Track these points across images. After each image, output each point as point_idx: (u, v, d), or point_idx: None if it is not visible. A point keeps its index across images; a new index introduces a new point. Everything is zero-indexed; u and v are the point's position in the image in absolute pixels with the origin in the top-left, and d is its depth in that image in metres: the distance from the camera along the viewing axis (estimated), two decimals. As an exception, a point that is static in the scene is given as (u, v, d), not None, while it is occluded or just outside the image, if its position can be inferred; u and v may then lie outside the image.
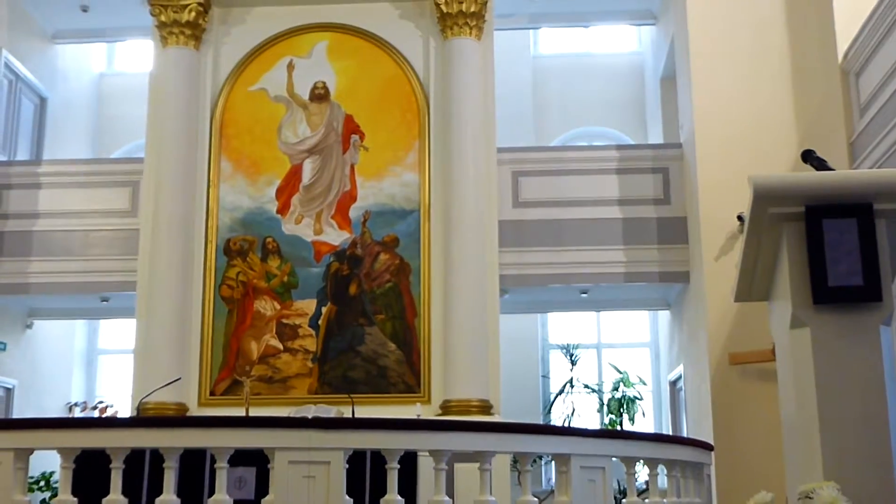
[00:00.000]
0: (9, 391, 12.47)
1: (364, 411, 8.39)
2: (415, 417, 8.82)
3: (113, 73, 15.71)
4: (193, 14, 11.18)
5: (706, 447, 7.46)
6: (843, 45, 9.74)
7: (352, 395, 9.25)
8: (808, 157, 4.91)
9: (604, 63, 15.27)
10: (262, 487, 5.56)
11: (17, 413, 12.38)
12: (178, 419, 8.50)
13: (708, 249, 10.18)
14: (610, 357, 14.31)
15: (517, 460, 6.12)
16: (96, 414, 12.71)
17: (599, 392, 13.48)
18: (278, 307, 10.82)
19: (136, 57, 15.48)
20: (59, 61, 13.99)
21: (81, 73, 14.89)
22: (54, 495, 7.42)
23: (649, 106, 14.42)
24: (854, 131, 9.64)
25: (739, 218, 9.63)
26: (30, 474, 5.74)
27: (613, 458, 6.25)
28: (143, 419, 8.09)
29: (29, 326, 12.94)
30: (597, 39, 15.67)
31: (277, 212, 11.03)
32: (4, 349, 12.30)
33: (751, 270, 4.63)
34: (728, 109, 10.46)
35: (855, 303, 4.18)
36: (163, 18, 11.21)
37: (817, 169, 4.74)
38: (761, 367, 9.60)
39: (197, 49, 11.30)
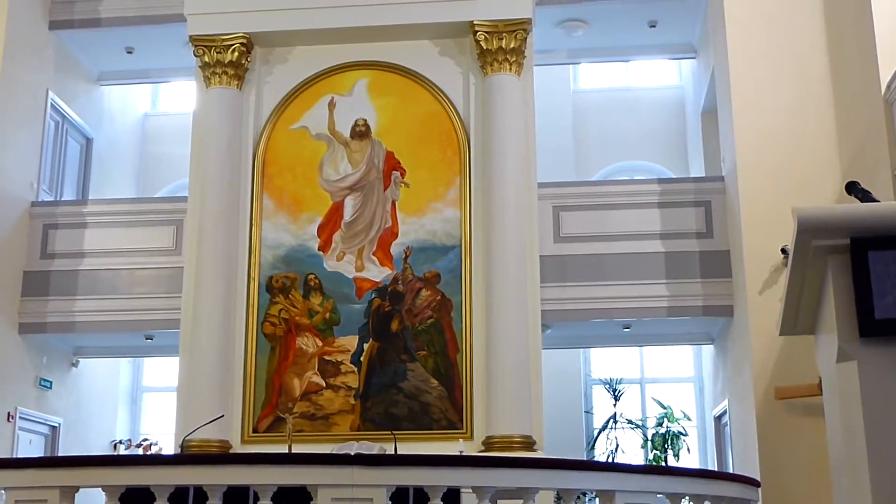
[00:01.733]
0: (54, 429, 12.57)
1: (406, 448, 8.37)
2: (457, 454, 8.79)
3: (157, 114, 15.92)
4: (236, 54, 11.32)
5: (752, 483, 7.36)
6: (886, 75, 9.66)
7: (394, 432, 9.22)
8: (853, 188, 4.88)
9: (644, 97, 15.26)
10: (306, 525, 5.55)
11: (63, 451, 12.46)
12: (222, 456, 8.52)
13: (752, 283, 10.09)
14: (653, 392, 14.19)
15: (561, 497, 6.09)
16: (140, 451, 12.77)
17: (643, 427, 13.37)
18: (320, 344, 10.84)
19: (179, 97, 15.67)
20: (104, 102, 14.20)
21: (126, 113, 15.10)
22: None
23: (690, 139, 14.38)
24: (898, 162, 9.55)
25: (783, 251, 9.55)
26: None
27: (658, 495, 6.18)
28: (186, 456, 8.11)
29: (74, 365, 13.06)
30: (637, 74, 15.67)
31: (319, 249, 11.08)
32: (50, 387, 12.42)
33: (796, 304, 4.58)
34: (770, 141, 10.40)
35: (902, 335, 4.12)
36: (206, 59, 11.36)
37: (861, 200, 4.71)
38: (808, 402, 9.48)
39: (239, 89, 11.43)
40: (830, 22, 10.64)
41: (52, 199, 12.68)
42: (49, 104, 12.65)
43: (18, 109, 11.98)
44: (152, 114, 15.89)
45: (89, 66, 13.64)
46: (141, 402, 15.17)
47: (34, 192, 12.29)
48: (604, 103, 15.33)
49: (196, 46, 11.42)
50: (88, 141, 13.77)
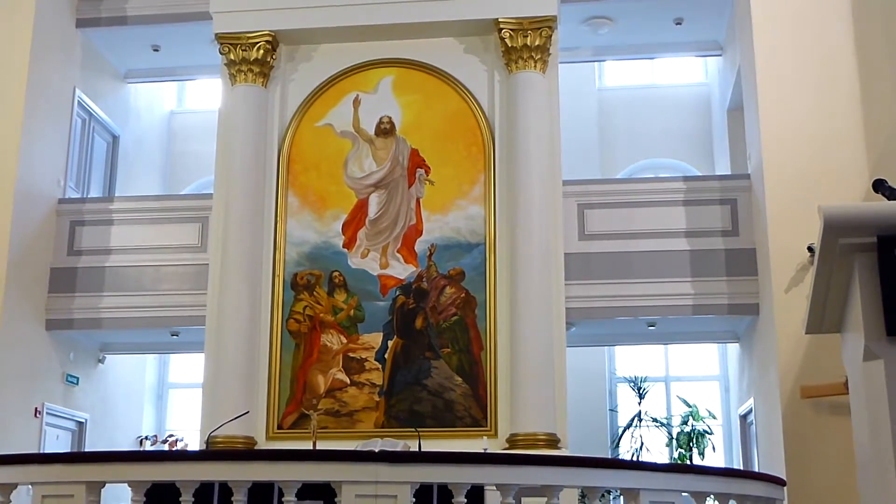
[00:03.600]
0: (81, 425, 12.66)
1: (430, 445, 8.40)
2: (482, 451, 8.79)
3: (183, 111, 15.99)
4: (261, 52, 11.36)
5: (778, 482, 7.33)
6: (914, 73, 9.61)
7: (418, 429, 9.25)
8: (880, 186, 4.85)
9: (670, 94, 15.21)
10: (330, 521, 5.57)
11: (90, 446, 12.55)
12: (247, 453, 8.56)
13: (778, 281, 10.03)
14: (678, 390, 14.16)
15: (585, 495, 6.09)
16: (166, 447, 12.85)
17: (668, 426, 13.33)
18: (345, 341, 10.87)
19: (205, 95, 15.75)
20: (130, 100, 14.28)
21: (153, 111, 15.17)
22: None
23: (716, 137, 14.31)
24: (927, 160, 9.48)
25: (810, 249, 9.49)
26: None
27: (683, 494, 6.16)
28: (212, 452, 8.15)
29: (101, 361, 13.14)
30: (662, 71, 15.62)
31: (344, 246, 11.11)
32: (77, 383, 12.50)
33: (822, 302, 4.56)
34: (797, 139, 10.33)
35: (930, 334, 4.09)
36: (231, 57, 11.40)
37: (889, 198, 4.68)
38: (834, 401, 9.41)
39: (265, 86, 11.47)
40: (858, 18, 10.56)
41: (78, 195, 12.75)
42: (76, 101, 12.72)
43: (46, 107, 12.06)
44: (178, 111, 15.95)
45: (116, 63, 13.72)
46: (167, 398, 15.25)
47: (61, 188, 12.37)
48: (629, 101, 15.29)
49: (222, 44, 11.46)
50: (115, 138, 13.84)
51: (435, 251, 10.99)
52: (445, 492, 5.74)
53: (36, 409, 11.63)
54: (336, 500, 5.33)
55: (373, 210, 11.19)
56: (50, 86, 12.17)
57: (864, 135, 10.25)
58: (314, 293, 11.01)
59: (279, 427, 10.66)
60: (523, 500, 7.17)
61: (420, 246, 11.02)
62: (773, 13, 10.72)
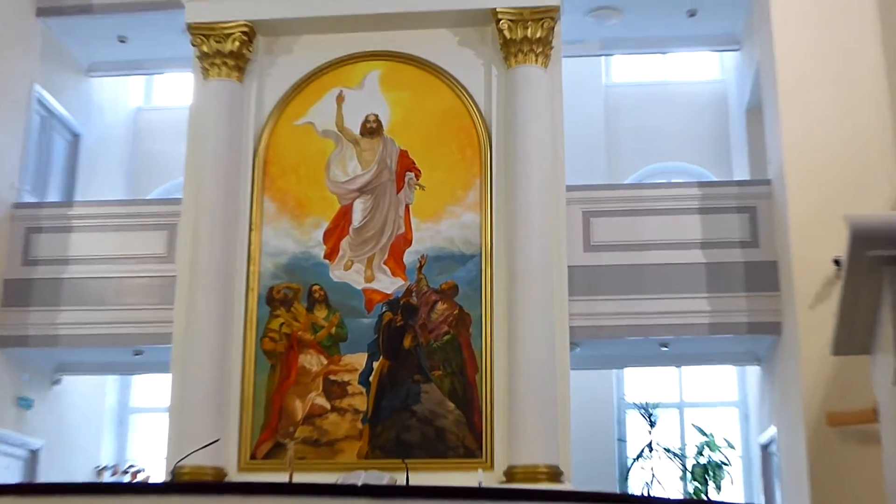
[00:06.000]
0: (34, 453, 12.58)
1: (420, 478, 8.37)
2: (476, 485, 8.76)
3: (150, 108, 16.01)
4: (237, 43, 11.34)
5: (802, 519, 7.30)
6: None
7: (406, 460, 9.20)
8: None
9: (683, 92, 15.24)
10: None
11: (43, 476, 12.49)
12: (217, 485, 8.53)
13: (801, 297, 10.03)
14: (693, 418, 14.13)
15: (588, 532, 6.04)
16: (128, 478, 12.77)
17: (682, 457, 13.30)
18: (325, 362, 10.83)
19: (175, 90, 15.75)
20: (93, 96, 14.27)
21: (117, 108, 15.17)
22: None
23: (734, 139, 14.33)
24: (965, 165, 9.49)
25: (836, 262, 9.50)
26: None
27: (697, 531, 6.13)
28: (178, 485, 8.12)
29: (56, 382, 13.08)
30: (675, 67, 15.65)
31: (325, 257, 11.08)
32: (30, 406, 12.44)
33: (850, 320, 4.55)
34: (821, 141, 10.34)
35: (967, 356, 4.07)
36: (204, 49, 11.38)
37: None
38: (863, 429, 9.40)
39: (240, 81, 11.45)
40: (885, 11, 10.58)
41: (35, 200, 12.72)
42: (34, 97, 12.71)
43: (0, 103, 12.02)
44: (145, 108, 15.96)
45: (78, 56, 13.71)
46: (128, 423, 15.17)
47: (16, 192, 12.33)
48: (639, 99, 15.31)
49: (194, 35, 11.44)
50: (76, 137, 13.82)
51: (425, 263, 10.96)
52: (434, 529, 5.70)
53: (-16, 434, 11.59)
54: (312, 537, 5.30)
55: (357, 217, 11.17)
56: (5, 79, 12.15)
57: (893, 136, 10.27)
58: (292, 309, 10.97)
59: (252, 457, 10.59)
60: (521, 537, 7.12)
61: (409, 257, 11.00)
62: (795, 4, 10.76)
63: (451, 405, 10.58)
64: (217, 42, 11.36)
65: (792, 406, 10.55)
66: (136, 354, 12.39)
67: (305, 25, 11.59)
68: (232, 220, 11.05)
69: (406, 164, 11.26)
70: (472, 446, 10.44)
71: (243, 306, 10.92)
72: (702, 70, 15.56)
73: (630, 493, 12.76)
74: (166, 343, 11.12)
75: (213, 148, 11.15)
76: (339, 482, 7.35)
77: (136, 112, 15.76)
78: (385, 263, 11.00)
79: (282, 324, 10.94)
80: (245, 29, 11.39)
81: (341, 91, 11.52)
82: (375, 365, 10.76)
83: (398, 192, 11.19)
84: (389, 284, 10.95)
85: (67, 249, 12.05)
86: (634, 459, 13.11)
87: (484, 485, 8.94)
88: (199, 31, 11.42)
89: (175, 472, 9.51)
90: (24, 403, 12.34)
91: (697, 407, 14.57)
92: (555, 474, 9.99)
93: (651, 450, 12.93)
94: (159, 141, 15.20)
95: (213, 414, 10.47)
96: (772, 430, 12.12)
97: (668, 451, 13.11)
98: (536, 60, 11.04)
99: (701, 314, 11.19)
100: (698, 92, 15.25)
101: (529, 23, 11.04)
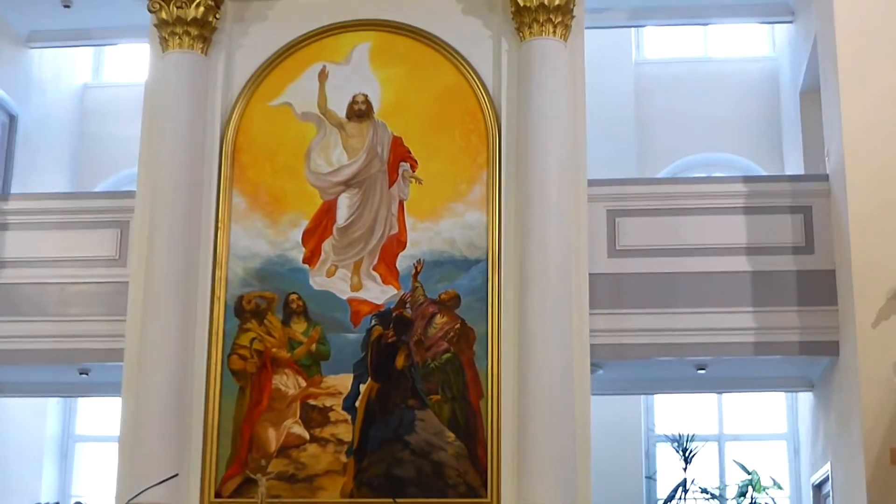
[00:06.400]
0: (-38, 488, 12.63)
1: (413, 520, 8.37)
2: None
3: (99, 85, 16.06)
4: (202, 9, 11.33)
5: (862, 573, 7.32)
6: None
7: (397, 500, 9.22)
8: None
9: (726, 71, 15.30)
10: None
11: (-28, 517, 12.53)
12: (174, 527, 8.53)
13: (863, 312, 10.03)
14: (735, 452, 14.17)
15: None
16: (72, 518, 12.82)
17: (722, 498, 13.32)
18: (304, 384, 10.84)
19: (128, 64, 15.76)
20: (33, 70, 14.30)
21: (61, 84, 15.19)
22: None
23: (786, 126, 14.35)
24: None
25: (904, 272, 9.54)
26: None
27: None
28: (128, 526, 8.14)
29: (-11, 406, 13.13)
30: (717, 41, 15.67)
31: (304, 261, 11.09)
32: (-42, 435, 12.47)
33: (919, 340, 4.55)
34: (887, 130, 10.34)
35: None
36: (163, 15, 11.37)
37: None
38: (933, 468, 9.45)
39: (205, 53, 11.45)
40: (970, -24, 10.61)
41: (-37, 192, 12.76)
42: (-38, 72, 12.76)
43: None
44: (93, 85, 16.01)
45: (15, 24, 13.73)
46: (73, 454, 15.20)
47: (-59, 183, 12.37)
48: (674, 79, 15.37)
49: (151, 0, 11.43)
50: (12, 119, 13.85)
51: (422, 269, 10.97)
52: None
53: None
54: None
55: (342, 215, 11.18)
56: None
57: (974, 125, 10.29)
58: (265, 322, 10.98)
59: (217, 495, 10.61)
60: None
61: (403, 262, 11.01)
62: (860, -33, 10.76)
63: (451, 435, 10.59)
64: (178, 7, 11.34)
65: (850, 440, 10.55)
66: (82, 374, 12.40)
67: (283, -12, 11.64)
68: (195, 217, 11.05)
69: (400, 153, 11.27)
70: (475, 483, 10.45)
71: (207, 318, 10.93)
72: (749, 45, 15.59)
73: (660, 540, 12.79)
74: (117, 360, 11.12)
75: (172, 132, 11.14)
76: (319, 526, 7.37)
77: (82, 89, 15.79)
78: (375, 269, 11.02)
79: (253, 339, 10.95)
80: (212, -8, 11.41)
81: (324, 66, 11.53)
82: (362, 388, 10.77)
83: (390, 185, 11.20)
84: (380, 294, 10.97)
85: (2, 250, 12.04)
86: (666, 501, 13.13)
87: (489, 530, 8.97)
88: (158, -5, 11.44)
89: (126, 511, 9.53)
90: (-49, 431, 12.37)
91: (740, 440, 14.62)
92: (572, 518, 10.02)
93: (685, 490, 12.94)
94: (109, 124, 15.24)
95: (171, 444, 10.46)
96: (826, 468, 12.13)
97: (705, 491, 13.13)
98: (555, 32, 11.04)
99: (745, 332, 11.20)
100: (744, 71, 15.29)
101: (547, -13, 11.06)
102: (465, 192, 11.10)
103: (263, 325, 10.97)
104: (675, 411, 14.60)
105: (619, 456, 13.77)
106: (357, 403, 10.74)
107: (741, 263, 11.32)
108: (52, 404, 14.85)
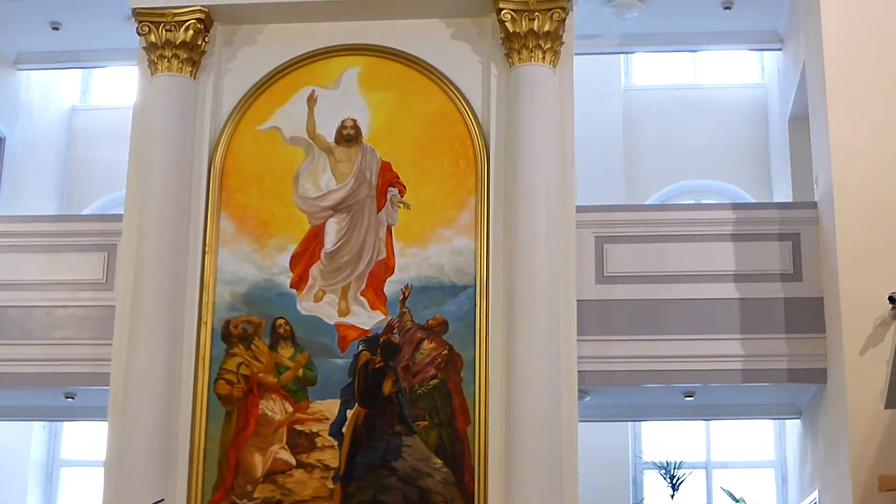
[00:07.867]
0: (-55, 513, 12.58)
1: (399, 547, 8.35)
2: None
3: (87, 107, 16.04)
4: (191, 33, 11.35)
5: None
6: None
7: (384, 526, 9.21)
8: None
9: (715, 98, 15.33)
10: None
11: (-44, 542, 12.47)
12: (159, 553, 8.52)
13: (851, 340, 10.03)
14: (723, 480, 14.16)
15: None
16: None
17: (709, 526, 13.34)
18: (290, 409, 10.82)
19: (117, 87, 15.75)
20: (21, 92, 14.30)
21: (49, 106, 15.19)
22: None
23: (774, 153, 14.40)
24: None
25: (892, 299, 9.53)
26: None
27: None
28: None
29: (-27, 430, 13.08)
30: (707, 68, 15.71)
31: (292, 286, 11.08)
32: (-59, 459, 12.42)
33: (906, 368, 4.56)
34: (876, 158, 10.37)
35: None
36: (152, 38, 11.39)
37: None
38: (922, 497, 9.45)
39: (194, 77, 11.46)
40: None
41: (-51, 215, 12.74)
42: (-50, 93, 12.77)
43: None
44: (82, 107, 15.98)
45: (3, 45, 13.74)
46: (58, 479, 15.14)
47: (-73, 205, 12.36)
48: (663, 105, 15.40)
49: (140, 22, 11.43)
50: (0, 141, 13.81)
51: (410, 294, 10.97)
52: None
53: None
54: None
55: (330, 240, 11.18)
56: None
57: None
58: (252, 346, 10.97)
59: (203, 520, 10.60)
60: None
61: (391, 287, 11.01)
62: (848, -4, 10.82)
63: (438, 462, 10.57)
64: (167, 31, 11.36)
65: (838, 467, 10.55)
66: (68, 398, 12.36)
67: (271, 12, 11.62)
68: (182, 241, 11.04)
69: (388, 179, 11.28)
70: (462, 511, 10.45)
71: (194, 343, 10.91)
72: (737, 73, 15.62)
73: (647, 568, 12.77)
74: (103, 385, 11.08)
75: (160, 155, 11.14)
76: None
77: (70, 112, 15.78)
78: (362, 294, 11.01)
79: (240, 364, 10.93)
80: (200, 15, 11.39)
81: (313, 91, 11.54)
82: (349, 413, 10.75)
83: (379, 210, 11.21)
84: (367, 319, 10.96)
85: (-13, 273, 12.04)
86: (653, 529, 13.15)
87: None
88: (146, 18, 11.40)
89: (111, 537, 9.50)
90: (-66, 455, 12.33)
91: (728, 467, 14.62)
92: (559, 545, 10.00)
93: (673, 518, 12.96)
94: (97, 146, 15.22)
95: (157, 469, 10.43)
96: (814, 496, 12.12)
97: (692, 519, 13.15)
98: (544, 58, 11.07)
99: (733, 359, 11.20)
100: (733, 98, 15.33)
101: (536, 13, 11.06)
102: (454, 218, 11.11)
103: (250, 350, 10.95)
104: (662, 438, 14.61)
105: (607, 483, 13.76)
106: (344, 429, 10.72)
107: (729, 290, 11.33)
108: (38, 428, 14.80)
